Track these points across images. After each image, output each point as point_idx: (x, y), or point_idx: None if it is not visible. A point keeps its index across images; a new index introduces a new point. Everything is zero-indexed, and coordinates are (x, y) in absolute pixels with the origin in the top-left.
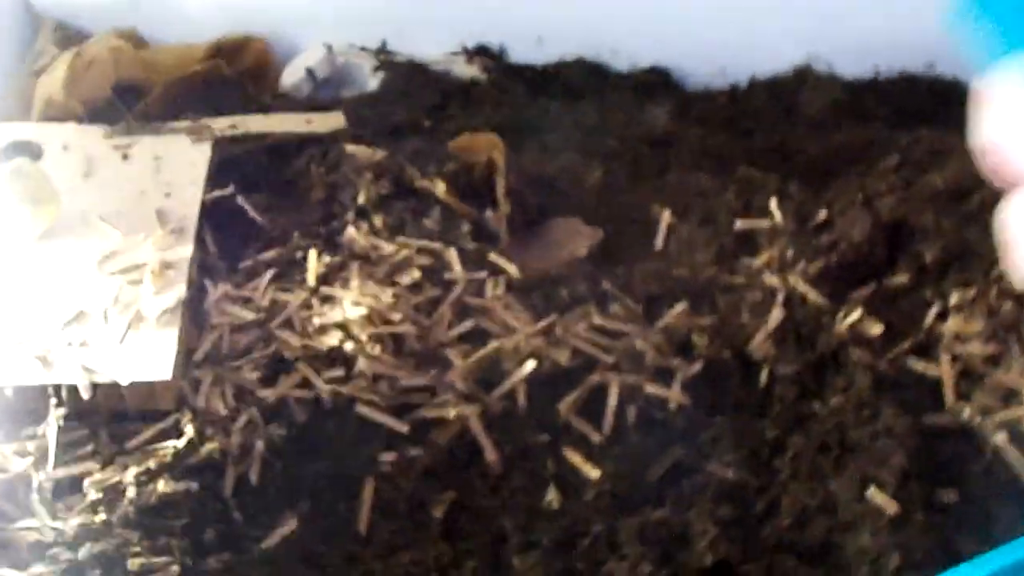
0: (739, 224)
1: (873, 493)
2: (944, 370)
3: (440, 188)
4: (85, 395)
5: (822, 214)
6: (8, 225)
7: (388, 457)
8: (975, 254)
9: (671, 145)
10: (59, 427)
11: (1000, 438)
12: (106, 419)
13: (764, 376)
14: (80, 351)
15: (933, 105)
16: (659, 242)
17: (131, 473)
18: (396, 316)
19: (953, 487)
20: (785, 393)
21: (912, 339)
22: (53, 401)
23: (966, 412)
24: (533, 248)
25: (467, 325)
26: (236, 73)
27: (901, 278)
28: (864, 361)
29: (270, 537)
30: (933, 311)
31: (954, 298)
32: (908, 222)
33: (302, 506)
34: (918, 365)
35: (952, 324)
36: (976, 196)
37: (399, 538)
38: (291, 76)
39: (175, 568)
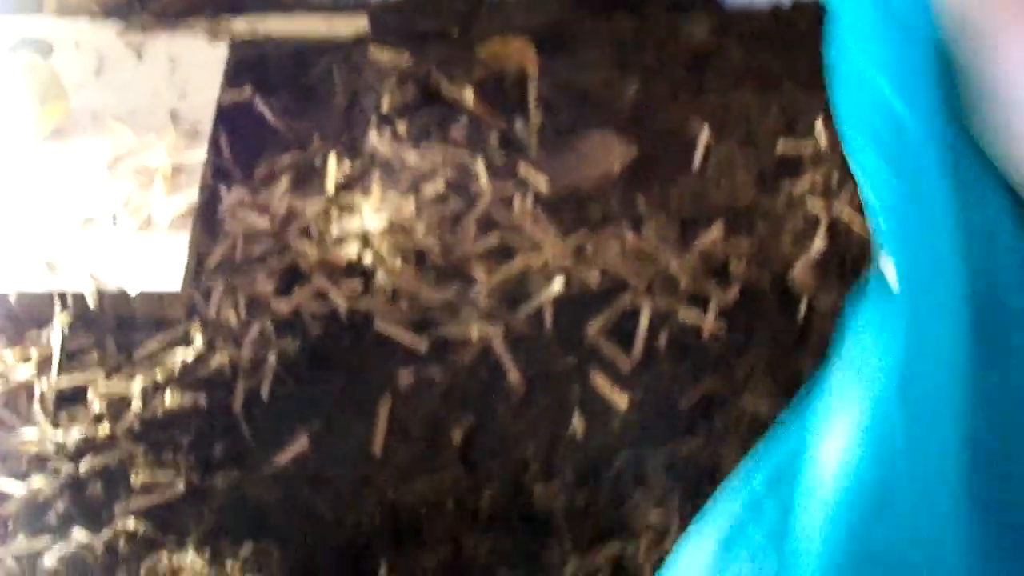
0: (782, 146)
1: None
2: None
3: (468, 96)
4: (92, 303)
5: None
6: (15, 123)
7: (406, 376)
8: None
9: (711, 61)
10: (64, 335)
11: None
12: (113, 327)
13: (803, 307)
14: (87, 257)
15: None
16: (696, 161)
17: (137, 384)
18: (418, 228)
19: None
20: (824, 326)
21: None
22: (58, 308)
23: None
24: (564, 162)
25: (493, 240)
26: None
27: None
28: None
29: (280, 455)
30: None
31: None
32: None
33: (314, 424)
34: None
35: None
36: None
37: (415, 462)
38: None
39: (180, 484)
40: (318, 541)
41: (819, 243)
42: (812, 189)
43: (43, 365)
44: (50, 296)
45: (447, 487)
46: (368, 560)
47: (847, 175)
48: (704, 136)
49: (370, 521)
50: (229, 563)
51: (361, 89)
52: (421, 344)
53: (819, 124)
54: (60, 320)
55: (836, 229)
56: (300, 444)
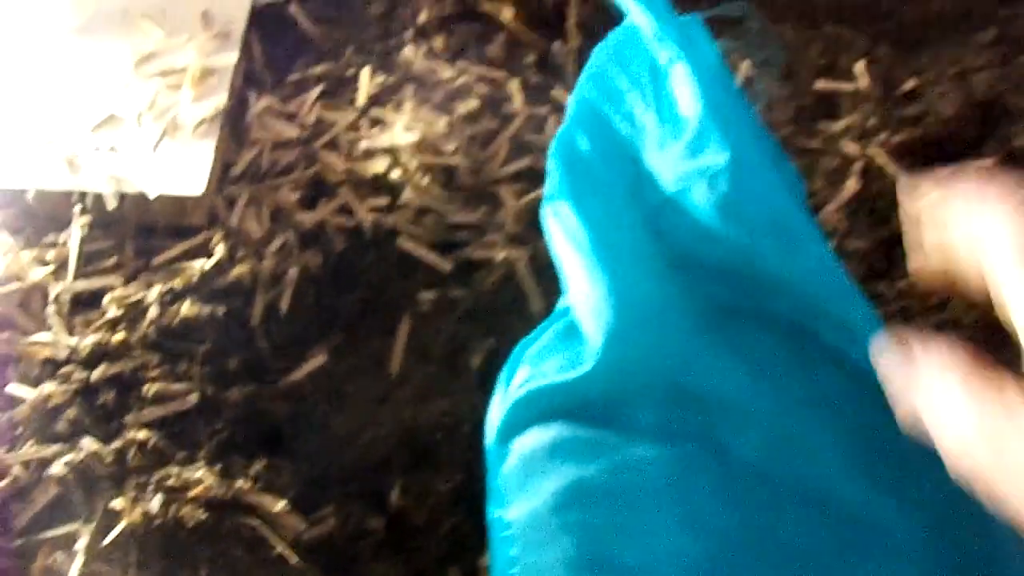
0: (821, 84)
1: None
2: None
3: (507, 14)
4: (111, 205)
5: (911, 83)
6: (40, 15)
7: (428, 296)
8: None
9: None
10: (82, 236)
11: None
12: (133, 232)
13: (831, 248)
14: (109, 157)
15: None
16: None
17: (155, 291)
18: (449, 146)
19: (1019, 387)
20: (852, 269)
21: None
22: (78, 208)
23: None
24: None
25: (524, 163)
26: None
27: (987, 161)
28: None
29: (296, 371)
30: None
31: None
32: (1002, 102)
33: (333, 340)
34: None
35: None
36: None
37: (433, 383)
38: None
39: (194, 396)
40: (332, 458)
41: (852, 184)
42: (848, 130)
43: (59, 267)
44: (69, 195)
45: (464, 411)
46: (381, 480)
47: (885, 118)
48: (743, 68)
49: (385, 441)
50: (240, 479)
51: (399, 0)
52: (445, 264)
53: (860, 65)
54: (78, 221)
55: (870, 172)
56: (318, 360)
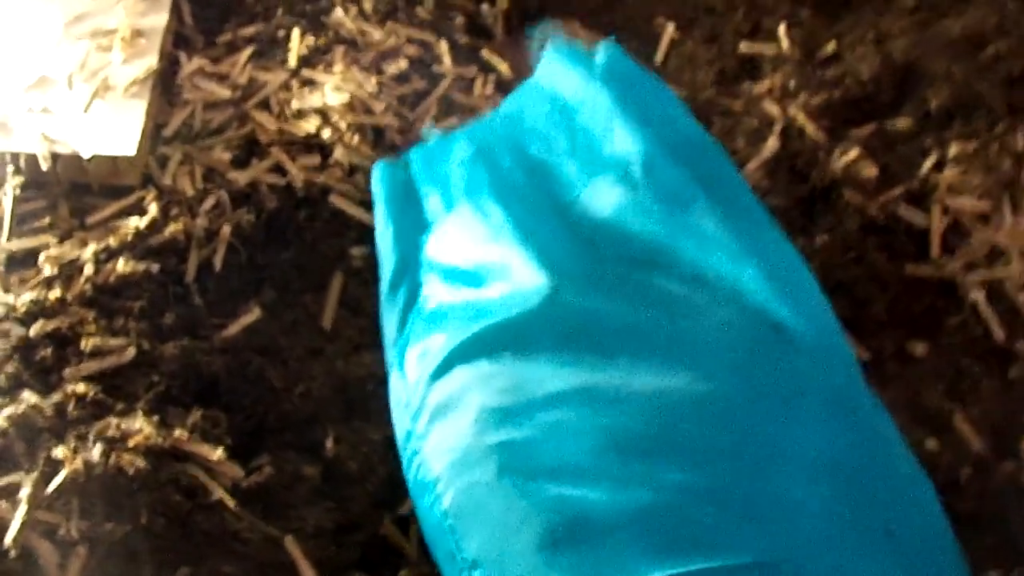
0: (744, 46)
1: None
2: (934, 221)
3: None
4: (44, 165)
5: (831, 46)
6: None
7: (359, 252)
8: (983, 106)
9: None
10: (15, 197)
11: (979, 296)
12: (66, 192)
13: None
14: (41, 118)
15: None
16: (659, 56)
17: (90, 250)
18: (378, 106)
19: (926, 339)
20: None
21: (906, 186)
22: (10, 169)
23: (949, 266)
24: (528, 48)
25: (452, 122)
26: None
27: (903, 122)
28: (855, 202)
29: (231, 325)
30: (931, 160)
31: (953, 149)
32: (919, 66)
33: (266, 296)
34: (908, 213)
35: (948, 175)
36: (992, 47)
37: (365, 336)
38: None
39: (131, 350)
40: (267, 409)
41: (772, 144)
42: (770, 91)
43: None
44: (2, 156)
45: None
46: (315, 430)
47: (805, 80)
48: (669, 31)
49: (319, 392)
50: (178, 429)
51: None
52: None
53: (782, 28)
54: (12, 182)
55: (790, 132)
56: (252, 315)
